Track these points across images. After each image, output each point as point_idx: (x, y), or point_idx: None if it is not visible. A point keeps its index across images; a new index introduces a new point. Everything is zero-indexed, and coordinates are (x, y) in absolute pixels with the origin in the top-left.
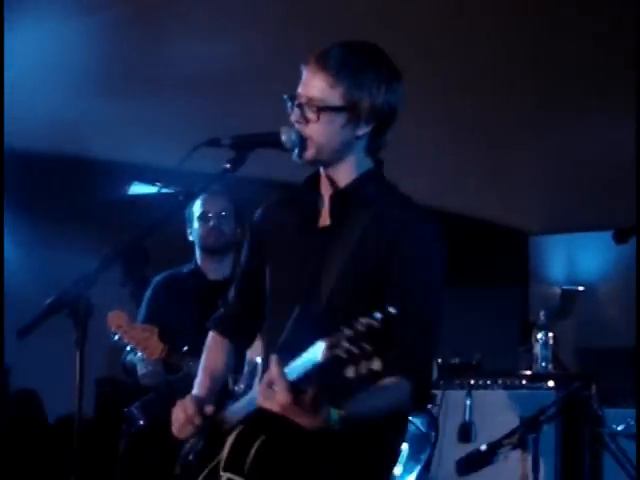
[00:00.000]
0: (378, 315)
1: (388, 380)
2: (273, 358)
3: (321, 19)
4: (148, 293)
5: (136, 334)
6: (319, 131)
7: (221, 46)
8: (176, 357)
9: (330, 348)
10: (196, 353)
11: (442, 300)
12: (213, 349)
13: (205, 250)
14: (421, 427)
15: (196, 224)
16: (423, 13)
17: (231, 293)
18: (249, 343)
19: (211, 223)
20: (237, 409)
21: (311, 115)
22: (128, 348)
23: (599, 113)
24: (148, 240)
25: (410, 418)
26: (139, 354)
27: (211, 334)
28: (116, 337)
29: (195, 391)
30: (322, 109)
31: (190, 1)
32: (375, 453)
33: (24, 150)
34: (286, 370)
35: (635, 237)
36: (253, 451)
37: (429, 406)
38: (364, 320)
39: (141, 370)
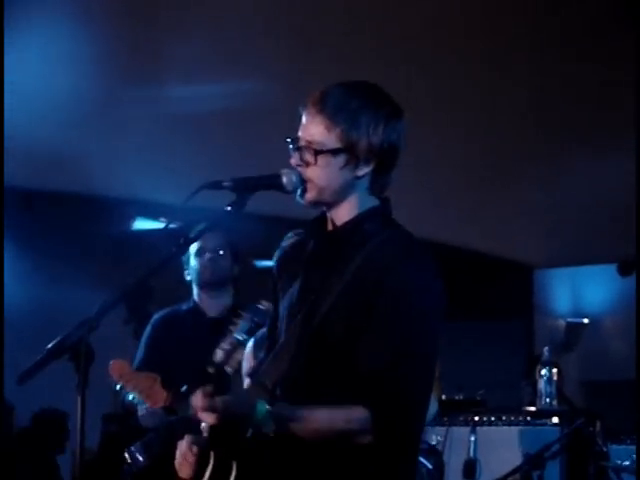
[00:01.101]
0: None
1: (346, 406)
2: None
3: (334, 57)
4: (147, 331)
5: (139, 382)
6: (318, 174)
7: (226, 84)
8: (179, 404)
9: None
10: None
11: (431, 336)
12: None
13: (202, 286)
14: (428, 465)
15: (193, 261)
16: (422, 40)
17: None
18: None
19: (207, 257)
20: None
21: (309, 158)
22: (131, 397)
23: (602, 146)
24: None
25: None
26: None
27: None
28: (118, 386)
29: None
30: (319, 152)
31: (196, 37)
32: None
33: (26, 186)
34: None
35: (636, 273)
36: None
37: (433, 443)
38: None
39: (141, 411)
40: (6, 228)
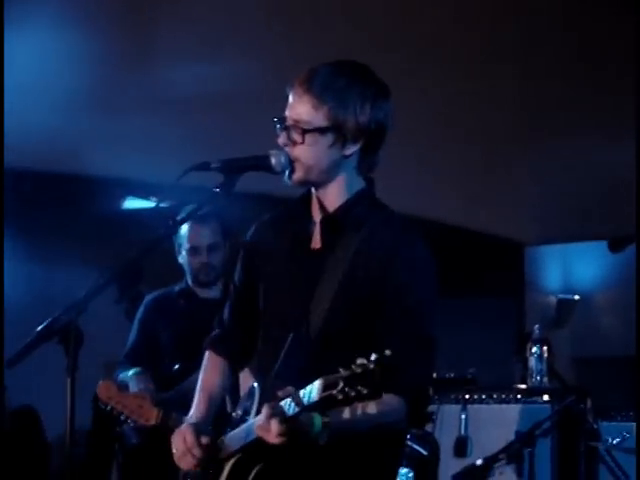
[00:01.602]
0: (373, 357)
1: (384, 396)
2: (267, 408)
3: (320, 40)
4: (139, 313)
5: (128, 403)
6: (306, 153)
7: (214, 67)
8: (171, 421)
9: (326, 388)
10: (187, 372)
11: (435, 319)
12: (209, 369)
13: (195, 281)
14: (423, 451)
15: (185, 255)
16: (419, 24)
17: (225, 312)
18: (245, 362)
19: (201, 259)
20: (235, 437)
21: (296, 137)
22: (122, 418)
23: (594, 124)
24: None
25: (414, 445)
26: (130, 372)
27: (207, 354)
28: (108, 408)
29: (192, 412)
30: (307, 131)
31: (184, 21)
32: (374, 474)
33: (19, 167)
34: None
35: (635, 247)
36: (252, 476)
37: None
38: (360, 361)
39: (133, 388)
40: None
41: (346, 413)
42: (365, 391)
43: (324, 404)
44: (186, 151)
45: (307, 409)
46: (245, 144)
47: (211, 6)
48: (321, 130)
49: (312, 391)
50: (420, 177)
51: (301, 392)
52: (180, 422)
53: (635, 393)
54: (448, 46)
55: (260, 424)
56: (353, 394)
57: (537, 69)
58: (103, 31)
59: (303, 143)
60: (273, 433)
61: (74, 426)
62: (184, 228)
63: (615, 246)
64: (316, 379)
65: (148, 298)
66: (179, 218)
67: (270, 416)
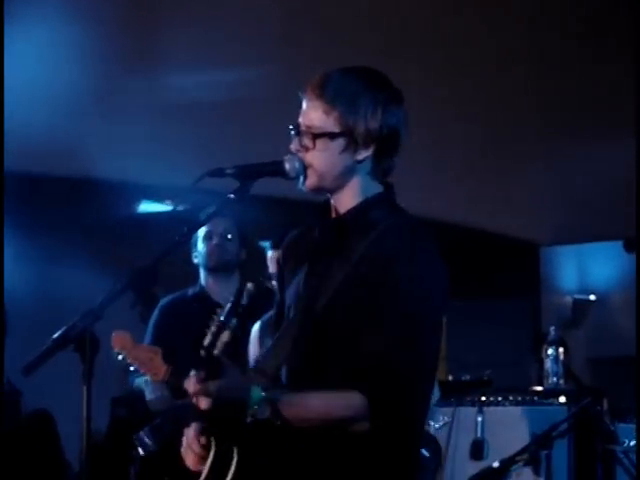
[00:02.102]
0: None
1: (341, 391)
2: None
3: (327, 45)
4: (154, 317)
5: (140, 354)
6: (318, 158)
7: (229, 72)
8: (179, 379)
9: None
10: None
11: (433, 322)
12: None
13: (209, 269)
14: (425, 452)
15: (201, 244)
16: (433, 31)
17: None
18: None
19: (214, 241)
20: None
21: (308, 142)
22: (132, 368)
23: (609, 124)
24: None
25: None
26: (145, 378)
27: None
28: (120, 357)
29: None
30: (317, 136)
31: (197, 25)
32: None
33: (32, 172)
34: None
35: (636, 247)
36: (231, 470)
37: (438, 425)
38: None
39: (149, 395)
40: (10, 214)
41: (292, 394)
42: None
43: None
44: (199, 155)
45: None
46: (258, 149)
47: (223, 10)
48: (331, 135)
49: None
50: (435, 178)
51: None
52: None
53: (635, 393)
54: (462, 45)
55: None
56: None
57: (552, 69)
58: (112, 32)
59: (314, 149)
60: (192, 391)
61: (90, 433)
62: (199, 231)
63: (630, 246)
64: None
65: (162, 302)
66: (196, 223)
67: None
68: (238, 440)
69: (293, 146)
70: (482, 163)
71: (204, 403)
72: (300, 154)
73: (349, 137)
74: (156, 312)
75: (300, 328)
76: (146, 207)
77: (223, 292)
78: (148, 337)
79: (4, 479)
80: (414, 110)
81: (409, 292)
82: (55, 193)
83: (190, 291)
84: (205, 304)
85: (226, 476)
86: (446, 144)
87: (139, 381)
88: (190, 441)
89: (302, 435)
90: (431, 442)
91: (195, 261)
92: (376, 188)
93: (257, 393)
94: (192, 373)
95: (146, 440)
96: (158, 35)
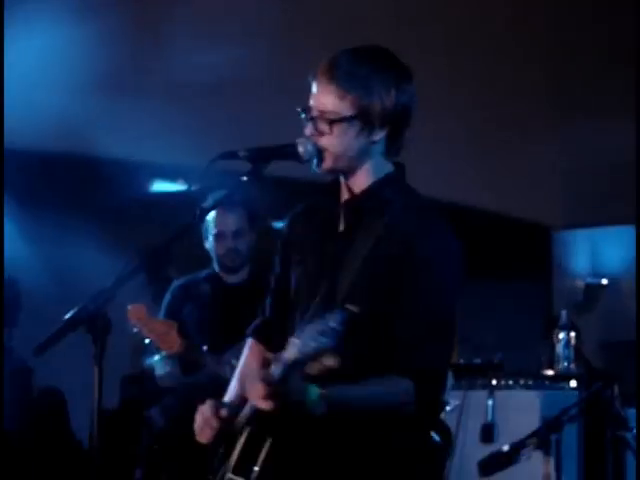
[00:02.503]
0: (338, 314)
1: (388, 377)
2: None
3: (327, 26)
4: (165, 299)
5: (155, 327)
6: (334, 142)
7: (240, 51)
8: (194, 352)
9: (293, 347)
10: (214, 356)
11: (455, 307)
12: (250, 357)
13: (222, 266)
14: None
15: (212, 241)
16: (443, 15)
17: (267, 302)
18: None
19: (227, 244)
20: (245, 410)
21: (324, 127)
22: (147, 341)
23: (623, 107)
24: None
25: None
26: (156, 357)
27: (249, 341)
28: (135, 329)
29: (227, 397)
30: (334, 121)
31: (209, 6)
32: (387, 454)
33: (45, 150)
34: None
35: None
36: (262, 456)
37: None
38: (321, 320)
39: (159, 372)
40: (22, 193)
41: (347, 388)
42: (322, 344)
43: (297, 362)
44: (212, 134)
45: (288, 370)
46: (269, 129)
47: None
48: (348, 119)
49: (288, 351)
50: (446, 161)
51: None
52: (201, 355)
53: (636, 388)
54: (469, 28)
55: (249, 389)
56: (311, 350)
57: (563, 52)
58: (117, 12)
59: (331, 133)
60: (259, 395)
61: (102, 412)
62: (211, 214)
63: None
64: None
65: (174, 285)
66: (206, 206)
67: (259, 380)
68: (274, 431)
69: (308, 131)
70: (494, 146)
71: (267, 405)
72: (314, 138)
73: (365, 119)
74: (168, 294)
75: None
76: (159, 187)
77: (236, 277)
78: (161, 316)
79: (15, 455)
80: (422, 93)
81: (437, 275)
82: (67, 172)
83: (203, 274)
84: (218, 286)
85: (257, 460)
86: (459, 128)
87: (150, 359)
88: (207, 416)
89: (337, 424)
90: (443, 428)
91: (207, 246)
92: (388, 168)
93: (314, 392)
94: (261, 375)
95: (157, 418)
96: (168, 14)
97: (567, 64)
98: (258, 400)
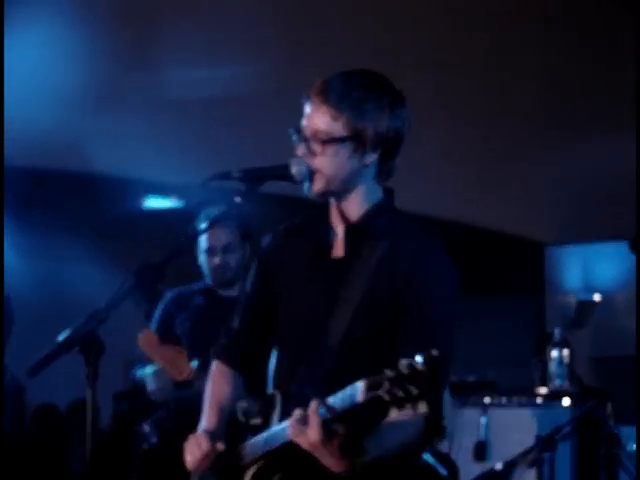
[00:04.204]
0: (420, 357)
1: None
2: (314, 401)
3: (327, 44)
4: (159, 308)
5: (166, 354)
6: (327, 163)
7: (233, 68)
8: (203, 379)
9: (370, 389)
10: (206, 369)
11: (454, 336)
12: (218, 380)
13: (213, 282)
14: (442, 471)
15: (202, 256)
16: (434, 28)
17: (235, 323)
18: (255, 374)
19: (217, 260)
20: (256, 444)
21: (317, 148)
22: (152, 367)
23: (614, 125)
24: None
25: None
26: (147, 369)
27: (215, 364)
28: (153, 325)
29: (202, 424)
30: (327, 142)
31: (201, 21)
32: None
33: (37, 167)
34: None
35: (636, 249)
36: None
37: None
38: (405, 361)
39: (150, 386)
40: (16, 208)
41: (377, 442)
42: (415, 391)
43: (368, 406)
44: (205, 151)
45: (349, 412)
46: (263, 145)
47: (225, 6)
48: (341, 140)
49: (354, 393)
50: (440, 177)
51: (336, 396)
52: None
53: (635, 393)
54: (465, 43)
55: (292, 424)
56: (401, 394)
57: (555, 67)
58: (110, 28)
59: (324, 154)
60: (312, 432)
61: (96, 432)
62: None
63: (635, 246)
64: (337, 387)
65: (167, 296)
66: (201, 228)
67: (312, 413)
68: (286, 465)
69: (300, 151)
70: (488, 162)
71: (311, 448)
72: (307, 159)
73: (358, 141)
74: (161, 303)
75: (325, 345)
76: (152, 203)
77: (228, 290)
78: (153, 325)
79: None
80: (419, 108)
81: (435, 300)
82: (60, 189)
83: (195, 286)
84: (210, 298)
85: None
86: (451, 143)
87: (141, 372)
88: (206, 451)
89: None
90: (449, 462)
91: (200, 262)
92: (379, 192)
93: (360, 462)
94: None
95: (149, 433)
96: (161, 31)
97: (561, 82)
98: (306, 443)
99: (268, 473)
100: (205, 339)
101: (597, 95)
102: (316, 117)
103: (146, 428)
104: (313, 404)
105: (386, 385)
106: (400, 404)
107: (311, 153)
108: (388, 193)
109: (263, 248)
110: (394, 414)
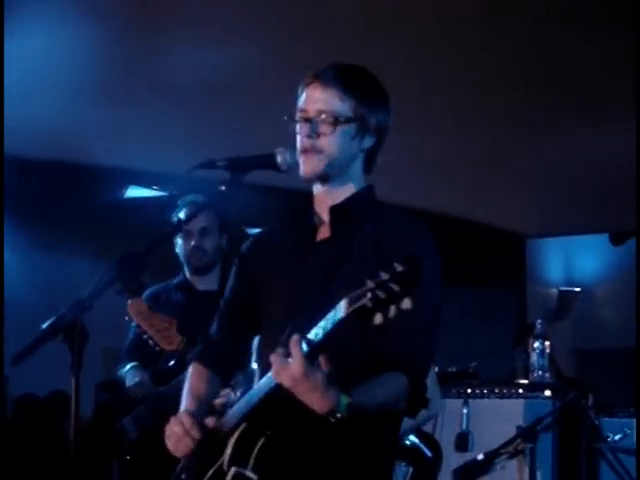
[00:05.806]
0: (398, 263)
1: (388, 374)
2: (295, 335)
3: (323, 32)
4: None
5: (156, 322)
6: (333, 143)
7: (219, 56)
8: (192, 351)
9: (353, 301)
10: (184, 366)
11: (440, 306)
12: (196, 378)
13: (190, 269)
14: (427, 452)
15: (179, 241)
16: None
17: (214, 327)
18: (231, 375)
19: (193, 242)
20: (235, 410)
21: (325, 129)
22: (145, 337)
23: (595, 118)
24: (143, 247)
25: (420, 445)
26: (127, 367)
27: (192, 366)
28: (133, 323)
29: (183, 408)
30: (338, 121)
31: (190, 11)
32: (375, 450)
33: (20, 157)
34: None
35: (636, 242)
36: (258, 446)
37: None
38: (384, 269)
39: (129, 382)
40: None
41: (362, 393)
42: (397, 288)
43: (352, 319)
44: (189, 141)
45: (333, 333)
46: (248, 134)
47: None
48: (349, 120)
49: (337, 311)
50: (422, 169)
51: (318, 325)
52: None
53: (635, 388)
54: (454, 39)
55: (275, 359)
56: (384, 295)
57: (540, 62)
58: (108, 20)
59: (333, 133)
60: (295, 364)
61: (79, 422)
62: (181, 214)
63: (616, 239)
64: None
65: (146, 293)
66: (186, 217)
67: (294, 345)
68: (272, 425)
69: (304, 132)
70: (470, 155)
71: (289, 382)
72: (309, 140)
73: (362, 123)
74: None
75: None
76: (133, 192)
77: (205, 282)
78: (133, 327)
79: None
80: (404, 101)
81: (428, 278)
82: (44, 179)
83: (174, 280)
84: (188, 293)
85: (250, 455)
86: (433, 135)
87: (121, 369)
88: (187, 427)
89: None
90: (434, 443)
91: (177, 251)
92: (363, 183)
93: (344, 400)
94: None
95: (129, 429)
96: (149, 21)
97: (545, 75)
98: (288, 377)
99: (252, 437)
100: (183, 335)
101: (582, 89)
102: (322, 98)
103: (126, 424)
104: (295, 337)
105: (368, 293)
106: (384, 307)
107: (317, 134)
108: (370, 187)
109: (243, 251)
110: (378, 319)
